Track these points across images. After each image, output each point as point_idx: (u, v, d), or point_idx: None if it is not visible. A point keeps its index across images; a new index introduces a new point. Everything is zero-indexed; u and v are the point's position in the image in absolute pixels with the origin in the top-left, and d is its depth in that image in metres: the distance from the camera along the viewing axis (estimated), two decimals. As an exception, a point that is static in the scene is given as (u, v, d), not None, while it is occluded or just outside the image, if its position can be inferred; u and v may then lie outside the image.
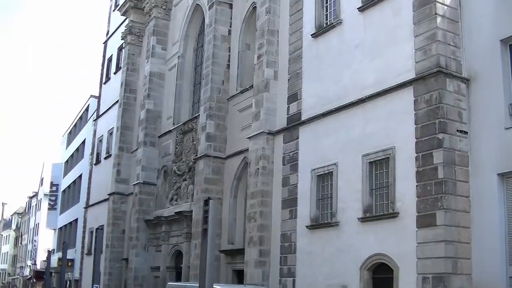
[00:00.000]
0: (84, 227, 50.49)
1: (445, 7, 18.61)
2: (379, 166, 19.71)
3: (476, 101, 18.01)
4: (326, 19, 23.54)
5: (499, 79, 17.43)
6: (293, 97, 24.17)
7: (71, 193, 62.75)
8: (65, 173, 68.60)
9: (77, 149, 63.12)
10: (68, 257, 45.18)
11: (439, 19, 18.36)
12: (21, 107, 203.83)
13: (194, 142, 32.31)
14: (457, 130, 17.79)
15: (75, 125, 68.35)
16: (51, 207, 71.54)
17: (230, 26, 30.82)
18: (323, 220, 21.78)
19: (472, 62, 18.32)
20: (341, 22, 22.38)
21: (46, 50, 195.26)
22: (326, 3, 23.71)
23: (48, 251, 45.84)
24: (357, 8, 21.54)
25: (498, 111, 17.29)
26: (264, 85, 25.33)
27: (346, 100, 21.20)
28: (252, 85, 26.61)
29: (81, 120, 64.58)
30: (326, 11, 23.64)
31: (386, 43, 20.08)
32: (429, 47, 18.33)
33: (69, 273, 53.81)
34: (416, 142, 18.20)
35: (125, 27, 43.93)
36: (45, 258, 55.21)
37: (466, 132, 17.91)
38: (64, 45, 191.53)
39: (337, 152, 21.35)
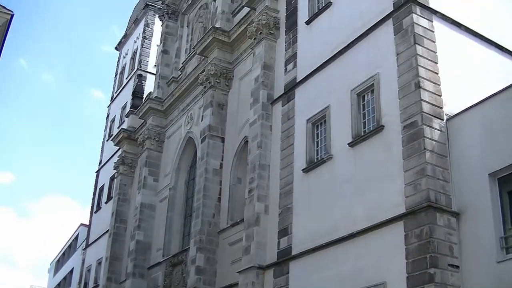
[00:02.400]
0: None
1: (434, 142, 18.95)
2: (371, 301, 19.46)
3: (467, 235, 18.03)
4: (317, 154, 23.86)
5: (489, 213, 17.53)
6: (284, 231, 24.08)
7: (56, 324, 61.44)
8: (52, 303, 67.44)
9: (65, 278, 62.35)
10: None
11: (428, 154, 18.65)
12: (10, 231, 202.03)
13: (184, 275, 31.85)
14: (449, 265, 17.68)
15: (63, 253, 67.84)
16: (34, 339, 69.87)
17: (222, 160, 31.15)
18: None
19: (461, 196, 18.47)
20: (331, 157, 22.69)
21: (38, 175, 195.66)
22: (317, 138, 24.13)
23: None
24: (347, 144, 21.90)
25: (489, 244, 17.29)
26: (255, 219, 25.31)
27: (337, 235, 21.14)
28: (243, 218, 26.61)
29: (70, 249, 64.21)
30: (317, 146, 24.02)
31: (376, 178, 20.28)
32: (418, 182, 18.51)
33: None
34: (407, 277, 18.00)
35: (117, 157, 44.47)
36: None
37: (457, 267, 17.79)
38: (56, 174, 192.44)
39: (328, 287, 21.09)
